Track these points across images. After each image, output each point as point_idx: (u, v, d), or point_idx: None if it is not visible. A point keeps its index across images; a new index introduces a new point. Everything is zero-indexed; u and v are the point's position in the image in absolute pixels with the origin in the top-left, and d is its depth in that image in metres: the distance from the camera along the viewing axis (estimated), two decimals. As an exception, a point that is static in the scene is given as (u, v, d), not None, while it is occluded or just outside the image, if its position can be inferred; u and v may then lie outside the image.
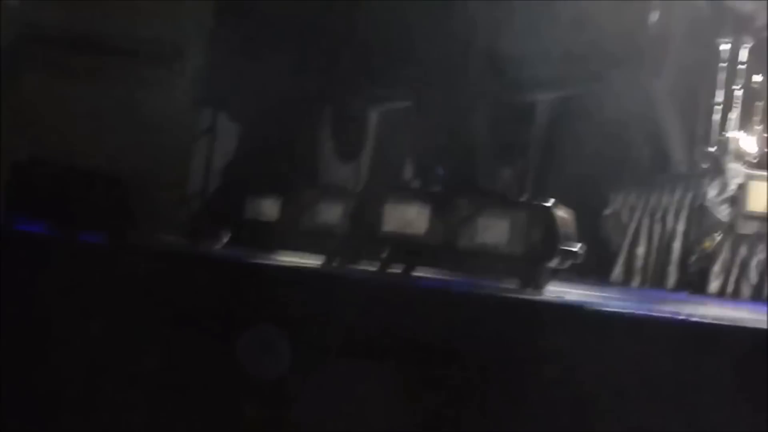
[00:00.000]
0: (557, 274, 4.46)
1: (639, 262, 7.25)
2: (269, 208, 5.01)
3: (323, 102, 5.24)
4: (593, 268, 7.44)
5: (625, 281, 7.23)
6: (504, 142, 4.48)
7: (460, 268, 4.32)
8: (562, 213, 4.31)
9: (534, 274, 4.23)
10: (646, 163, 7.67)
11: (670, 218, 7.15)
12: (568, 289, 4.89)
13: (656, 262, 7.17)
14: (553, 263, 4.30)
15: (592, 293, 5.11)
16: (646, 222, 7.34)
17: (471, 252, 4.26)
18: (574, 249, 4.34)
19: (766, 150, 7.01)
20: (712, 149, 7.21)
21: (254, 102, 5.24)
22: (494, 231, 4.25)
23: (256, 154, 5.20)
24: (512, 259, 4.23)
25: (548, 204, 4.27)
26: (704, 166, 7.14)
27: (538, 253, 4.21)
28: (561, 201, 5.09)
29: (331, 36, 4.94)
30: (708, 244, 6.91)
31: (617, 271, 7.32)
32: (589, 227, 7.51)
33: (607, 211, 7.58)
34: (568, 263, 4.38)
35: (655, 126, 7.65)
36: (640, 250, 7.26)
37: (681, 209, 7.12)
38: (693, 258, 6.94)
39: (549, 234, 4.21)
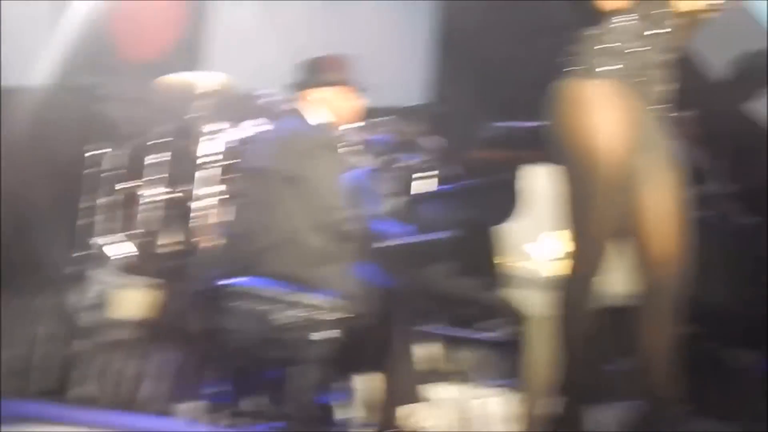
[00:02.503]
0: None
1: (3, 368, 7.18)
2: None
3: None
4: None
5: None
6: None
7: None
8: None
9: None
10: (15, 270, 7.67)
11: (35, 323, 7.15)
12: None
13: (21, 367, 7.14)
14: None
15: None
16: (15, 325, 7.29)
17: None
18: None
19: (127, 254, 7.20)
20: (78, 254, 7.31)
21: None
22: None
23: None
24: None
25: None
26: (70, 270, 7.22)
27: None
28: None
29: None
30: (75, 349, 6.97)
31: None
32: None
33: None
34: None
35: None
36: (5, 355, 7.19)
37: (45, 314, 7.15)
38: (58, 363, 6.97)
39: None
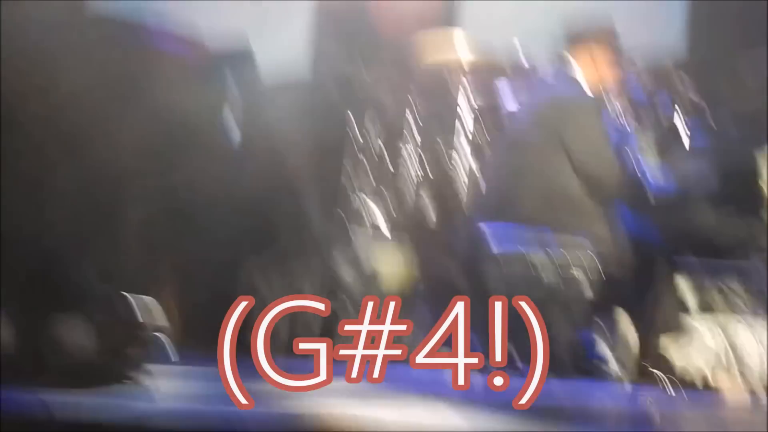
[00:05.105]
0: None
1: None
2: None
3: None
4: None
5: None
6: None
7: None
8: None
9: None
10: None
11: (300, 282, 7.24)
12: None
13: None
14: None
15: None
16: (281, 286, 7.40)
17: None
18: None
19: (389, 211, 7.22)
20: (341, 211, 7.37)
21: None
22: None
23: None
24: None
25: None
26: (334, 228, 7.27)
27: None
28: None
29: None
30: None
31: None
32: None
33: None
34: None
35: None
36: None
37: (309, 273, 7.22)
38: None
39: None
